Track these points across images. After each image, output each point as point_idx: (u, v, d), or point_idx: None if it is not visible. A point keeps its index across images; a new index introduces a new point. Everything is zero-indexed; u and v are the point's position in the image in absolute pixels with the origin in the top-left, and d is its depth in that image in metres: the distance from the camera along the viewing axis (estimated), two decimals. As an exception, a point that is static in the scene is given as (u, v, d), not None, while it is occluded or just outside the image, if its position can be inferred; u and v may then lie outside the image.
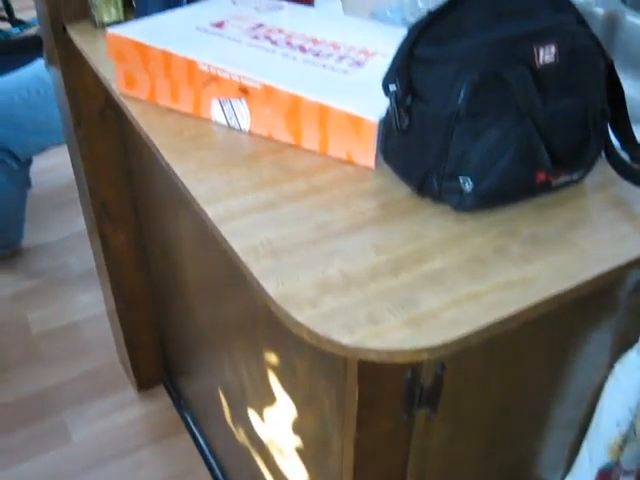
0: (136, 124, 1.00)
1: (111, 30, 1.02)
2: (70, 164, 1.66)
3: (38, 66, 1.99)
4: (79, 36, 1.28)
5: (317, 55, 0.98)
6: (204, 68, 0.94)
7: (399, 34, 0.82)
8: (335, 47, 1.00)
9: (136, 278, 1.76)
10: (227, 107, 0.95)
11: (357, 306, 0.67)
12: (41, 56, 1.84)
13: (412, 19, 1.28)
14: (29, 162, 2.21)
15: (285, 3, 1.16)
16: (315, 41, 1.02)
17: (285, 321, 0.68)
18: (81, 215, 1.80)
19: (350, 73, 0.94)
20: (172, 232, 1.37)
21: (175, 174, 0.88)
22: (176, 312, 1.62)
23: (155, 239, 1.56)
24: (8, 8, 3.90)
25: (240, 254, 0.74)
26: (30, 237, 2.49)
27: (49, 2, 1.29)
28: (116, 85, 1.06)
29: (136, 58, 1.00)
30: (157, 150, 0.92)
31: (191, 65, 0.95)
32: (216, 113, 0.97)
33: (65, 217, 2.56)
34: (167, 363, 1.98)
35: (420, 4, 1.26)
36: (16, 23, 3.87)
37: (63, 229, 2.54)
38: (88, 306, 2.24)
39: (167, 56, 0.97)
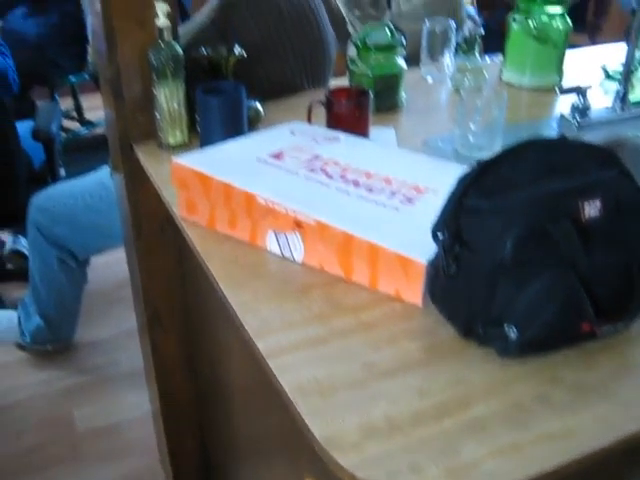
0: (195, 249, 1.05)
1: (176, 159, 1.08)
2: (125, 261, 1.73)
3: (103, 173, 2.09)
4: (145, 155, 1.36)
5: (370, 190, 1.02)
6: (262, 202, 0.99)
7: (449, 170, 0.85)
8: (387, 182, 1.05)
9: (183, 384, 1.78)
10: (282, 239, 0.99)
11: (400, 453, 0.69)
12: (106, 161, 1.94)
13: (463, 151, 1.33)
14: (87, 262, 2.30)
15: (341, 135, 1.22)
16: (369, 175, 1.07)
17: (329, 463, 0.69)
18: (133, 312, 1.85)
19: (401, 211, 0.97)
20: (221, 344, 1.40)
21: (229, 303, 0.91)
22: (220, 422, 1.64)
23: (204, 348, 1.59)
24: (78, 108, 4.11)
25: (288, 391, 0.76)
26: (82, 333, 2.55)
27: (119, 122, 1.38)
28: (178, 209, 1.12)
29: (198, 187, 1.06)
30: (213, 278, 0.97)
31: (250, 198, 1.00)
32: (271, 243, 1.01)
33: (117, 314, 2.62)
34: (208, 472, 1.97)
35: (471, 139, 1.31)
36: (85, 123, 4.08)
37: (114, 326, 2.59)
38: (134, 406, 2.26)
39: (228, 188, 1.02)
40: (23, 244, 2.76)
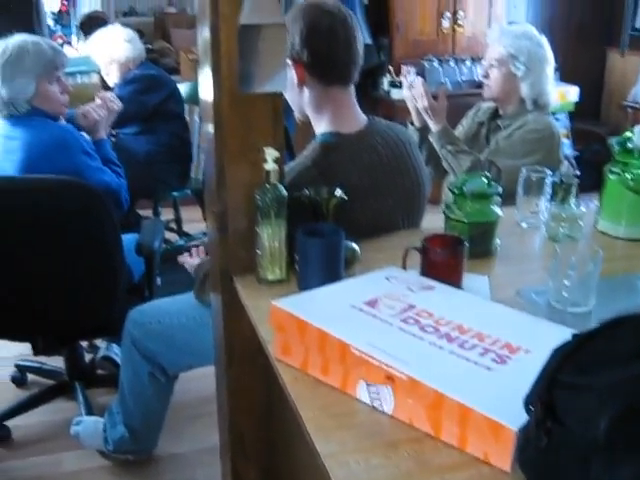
0: (287, 392, 1.07)
1: (275, 303, 1.13)
2: (210, 377, 1.78)
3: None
4: (244, 288, 1.42)
5: (462, 346, 1.03)
6: (355, 352, 1.02)
7: (543, 329, 0.84)
8: (480, 338, 1.06)
9: (260, 513, 1.78)
10: (373, 390, 1.01)
11: None
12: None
13: (557, 305, 1.33)
14: (176, 377, 2.35)
15: (436, 284, 1.25)
16: (462, 329, 1.08)
17: None
18: (215, 430, 1.87)
19: (493, 370, 0.98)
20: (304, 475, 1.41)
21: (318, 452, 0.93)
22: None
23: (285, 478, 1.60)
24: (178, 220, 4.29)
25: None
26: (163, 445, 2.57)
27: (222, 254, 1.45)
28: (273, 350, 1.16)
29: (294, 330, 1.10)
30: (304, 424, 0.99)
31: (344, 347, 1.03)
32: (362, 393, 1.03)
33: (199, 430, 2.65)
34: None
35: (565, 294, 1.31)
36: (183, 235, 4.25)
37: (195, 442, 2.61)
38: (207, 526, 2.25)
39: (323, 334, 1.06)
40: (115, 352, 2.85)
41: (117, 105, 2.80)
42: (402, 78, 4.02)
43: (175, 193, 3.97)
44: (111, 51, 3.52)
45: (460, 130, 2.63)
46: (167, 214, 4.26)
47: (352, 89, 1.69)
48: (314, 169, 1.58)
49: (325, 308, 1.13)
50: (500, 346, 1.04)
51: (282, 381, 1.10)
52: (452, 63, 5.01)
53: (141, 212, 3.83)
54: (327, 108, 1.66)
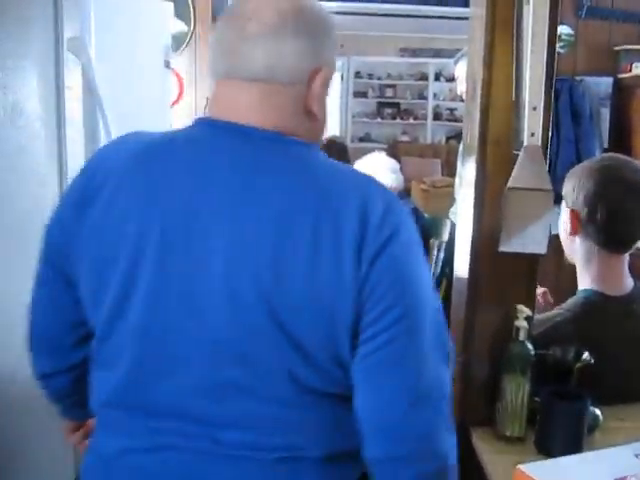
0: None
1: (522, 468, 1.11)
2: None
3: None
4: (480, 441, 1.41)
5: None
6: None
7: None
8: None
9: None
10: None
11: None
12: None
13: None
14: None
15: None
16: None
17: None
18: None
19: None
20: None
21: None
22: None
23: None
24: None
25: None
26: None
27: (462, 406, 1.46)
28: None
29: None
30: None
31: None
32: None
33: None
34: None
35: None
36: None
37: None
38: None
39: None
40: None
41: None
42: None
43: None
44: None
45: None
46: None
47: (627, 256, 1.61)
48: (572, 325, 1.55)
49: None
50: None
51: None
52: None
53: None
54: (595, 266, 1.59)
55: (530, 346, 1.38)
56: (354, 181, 1.02)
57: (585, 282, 1.63)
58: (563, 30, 4.57)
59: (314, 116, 1.06)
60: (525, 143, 1.26)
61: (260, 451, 0.99)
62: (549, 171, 1.31)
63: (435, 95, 9.53)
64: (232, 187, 0.97)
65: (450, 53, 9.46)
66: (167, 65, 2.45)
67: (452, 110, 9.38)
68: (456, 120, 9.07)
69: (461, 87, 3.22)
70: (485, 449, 1.38)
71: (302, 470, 1.01)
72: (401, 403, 0.97)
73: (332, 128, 10.15)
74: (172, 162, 1.02)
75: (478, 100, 1.35)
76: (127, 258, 0.98)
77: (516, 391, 1.38)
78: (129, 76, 1.90)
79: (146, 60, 2.16)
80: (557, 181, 1.41)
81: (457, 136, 7.64)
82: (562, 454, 1.32)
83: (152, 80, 2.24)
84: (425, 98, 9.60)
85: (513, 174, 1.27)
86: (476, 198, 1.38)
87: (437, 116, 9.62)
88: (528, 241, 1.32)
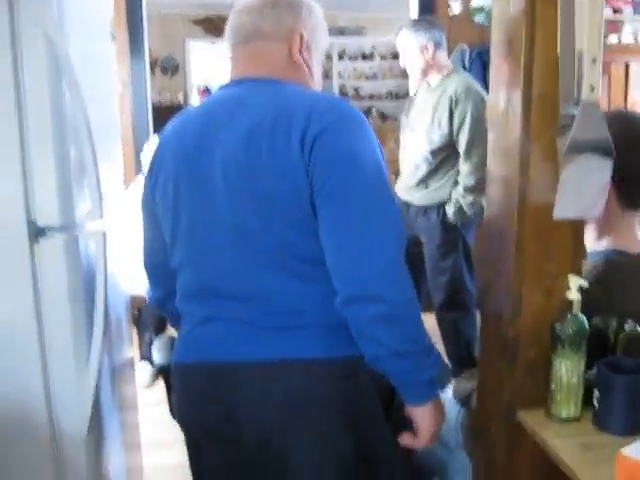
0: None
1: (625, 452, 1.03)
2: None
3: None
4: (537, 426, 1.31)
5: None
6: None
7: None
8: None
9: None
10: None
11: None
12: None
13: None
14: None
15: None
16: None
17: None
18: None
19: None
20: None
21: None
22: None
23: None
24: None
25: None
26: None
27: (508, 385, 1.36)
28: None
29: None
30: None
31: None
32: None
33: None
34: None
35: None
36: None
37: None
38: None
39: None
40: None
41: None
42: None
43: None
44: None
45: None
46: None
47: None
48: (597, 286, 1.47)
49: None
50: None
51: None
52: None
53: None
54: (616, 227, 1.53)
55: (585, 320, 1.29)
56: (309, 95, 1.38)
57: (602, 243, 1.55)
58: (484, 2, 4.58)
59: (298, 66, 1.41)
60: (584, 97, 1.16)
61: (272, 318, 1.31)
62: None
63: (340, 74, 9.43)
64: (222, 122, 1.33)
65: (353, 31, 9.39)
66: (113, 38, 2.23)
67: (357, 89, 9.31)
68: (361, 98, 9.03)
69: (402, 61, 3.12)
70: (546, 435, 1.28)
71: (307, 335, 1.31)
72: (344, 253, 1.24)
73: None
74: (190, 121, 1.42)
75: (519, 58, 1.25)
76: (170, 202, 1.38)
77: (572, 369, 1.29)
78: (84, 50, 1.67)
79: (95, 32, 1.93)
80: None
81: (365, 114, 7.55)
82: (625, 430, 1.25)
83: (102, 54, 2.01)
84: (330, 78, 9.49)
85: (571, 134, 1.17)
86: (521, 164, 1.27)
87: (343, 95, 9.53)
88: (584, 206, 1.23)
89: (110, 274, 1.53)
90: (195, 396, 1.40)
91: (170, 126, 1.46)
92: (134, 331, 3.67)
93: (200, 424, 1.42)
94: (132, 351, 2.42)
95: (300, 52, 1.41)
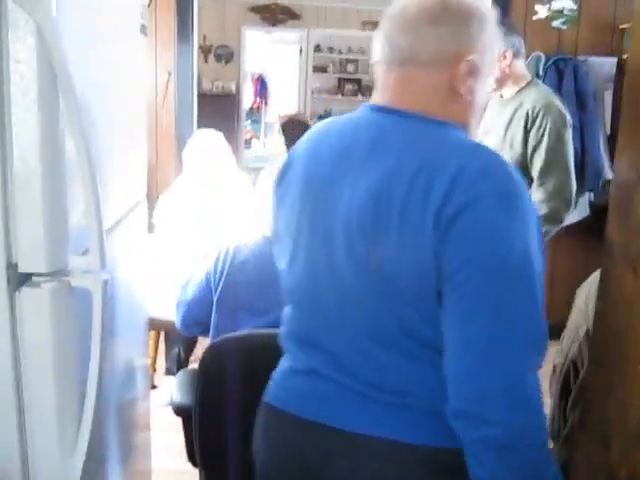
0: None
1: None
2: None
3: None
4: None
5: None
6: None
7: None
8: None
9: None
10: None
11: None
12: None
13: None
14: None
15: None
16: None
17: None
18: None
19: None
20: None
21: None
22: None
23: None
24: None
25: None
26: None
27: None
28: None
29: None
30: None
31: None
32: None
33: None
34: None
35: None
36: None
37: None
38: None
39: None
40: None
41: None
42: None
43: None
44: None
45: None
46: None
47: None
48: None
49: None
50: None
51: None
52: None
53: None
54: None
55: None
56: (461, 147, 1.13)
57: None
58: (565, 4, 4.20)
59: (459, 97, 1.17)
60: None
61: (381, 393, 1.14)
62: None
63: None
64: (357, 160, 1.16)
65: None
66: (143, 31, 1.93)
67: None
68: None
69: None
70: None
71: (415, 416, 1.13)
72: (464, 359, 1.04)
73: (290, 104, 9.65)
74: (324, 144, 1.25)
75: None
76: (293, 229, 1.25)
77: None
78: (99, 44, 1.39)
79: (119, 23, 1.64)
80: None
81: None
82: None
83: (126, 50, 1.72)
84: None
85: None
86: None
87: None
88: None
89: (123, 297, 1.25)
90: (278, 443, 1.29)
91: (304, 143, 1.30)
92: (161, 343, 3.43)
93: (276, 467, 1.30)
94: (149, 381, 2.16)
95: (464, 81, 1.16)
